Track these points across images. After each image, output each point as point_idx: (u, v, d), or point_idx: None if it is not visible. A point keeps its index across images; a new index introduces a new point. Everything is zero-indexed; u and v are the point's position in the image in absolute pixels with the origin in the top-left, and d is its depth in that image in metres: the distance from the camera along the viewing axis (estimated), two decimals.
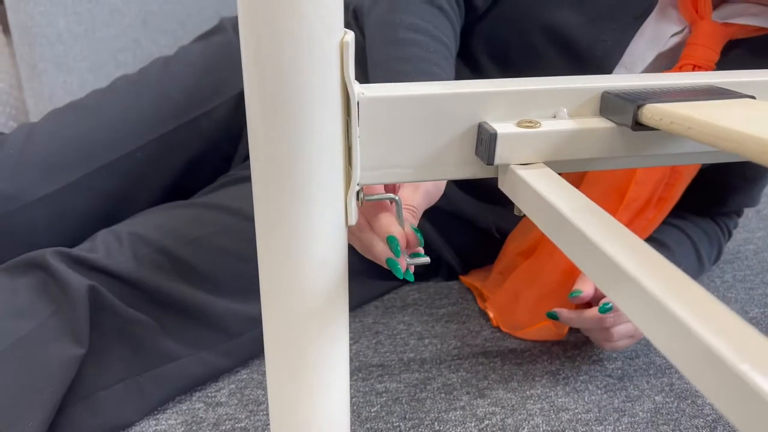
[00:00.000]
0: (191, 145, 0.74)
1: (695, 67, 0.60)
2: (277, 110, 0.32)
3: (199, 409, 0.62)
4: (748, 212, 1.07)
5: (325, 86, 0.32)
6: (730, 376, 0.19)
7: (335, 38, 0.31)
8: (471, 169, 0.38)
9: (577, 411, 0.63)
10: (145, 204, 0.72)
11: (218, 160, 0.77)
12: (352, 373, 0.68)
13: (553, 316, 0.66)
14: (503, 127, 0.36)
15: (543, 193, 0.33)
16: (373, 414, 0.62)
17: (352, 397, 0.64)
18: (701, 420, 0.62)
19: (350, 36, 0.32)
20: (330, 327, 0.38)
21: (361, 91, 0.34)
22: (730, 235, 0.85)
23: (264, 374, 0.67)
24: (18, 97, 1.25)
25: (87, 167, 0.68)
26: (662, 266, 0.24)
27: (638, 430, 0.60)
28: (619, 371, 0.69)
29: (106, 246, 0.58)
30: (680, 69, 0.61)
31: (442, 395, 0.65)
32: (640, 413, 0.62)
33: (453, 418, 0.62)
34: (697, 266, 0.77)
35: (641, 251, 0.26)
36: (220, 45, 0.78)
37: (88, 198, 0.68)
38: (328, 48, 0.31)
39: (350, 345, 0.72)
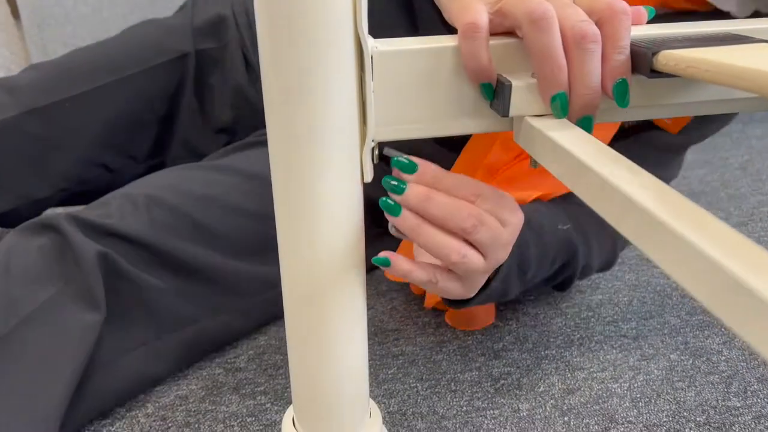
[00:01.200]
0: (123, 99, 0.76)
1: None
2: (290, 66, 0.32)
3: (219, 374, 0.63)
4: (761, 174, 1.06)
5: (338, 40, 0.32)
6: (745, 294, 0.19)
7: None
8: (486, 123, 0.38)
9: (592, 370, 0.63)
10: (74, 152, 0.73)
11: (153, 118, 0.79)
12: (368, 337, 0.69)
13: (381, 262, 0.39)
14: (519, 79, 0.35)
15: (559, 141, 0.32)
16: (390, 376, 0.63)
17: (369, 360, 0.65)
18: (716, 376, 0.62)
19: None
20: (347, 283, 0.38)
21: (374, 45, 0.34)
22: None
23: (282, 340, 0.68)
24: None
25: (20, 109, 0.70)
26: (687, 208, 0.24)
27: (653, 386, 0.61)
28: (634, 331, 0.69)
29: (120, 210, 0.58)
30: None
31: (458, 357, 0.66)
32: (655, 371, 0.63)
33: (469, 378, 0.62)
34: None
35: (663, 193, 0.26)
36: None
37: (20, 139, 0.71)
38: (340, 1, 0.31)
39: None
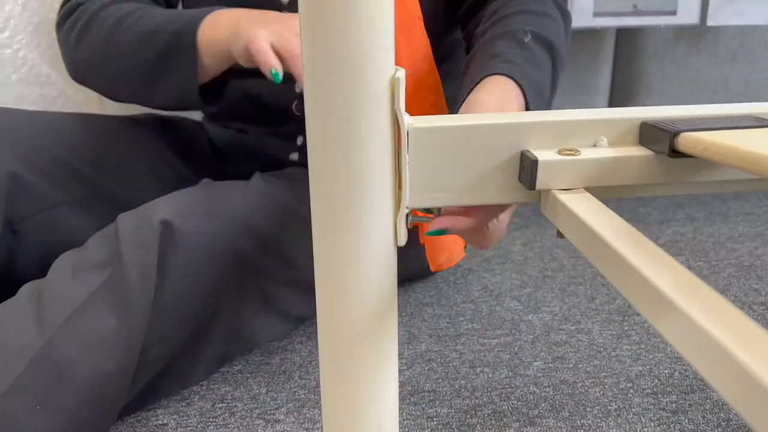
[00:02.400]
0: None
1: None
2: (334, 141, 0.35)
3: (258, 425, 0.65)
4: None
5: (377, 118, 0.36)
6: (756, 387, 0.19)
7: (385, 75, 0.35)
8: (513, 194, 0.40)
9: None
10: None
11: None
12: (404, 398, 0.70)
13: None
14: (545, 155, 0.38)
15: (583, 217, 0.34)
16: None
17: (403, 420, 0.66)
18: None
19: (401, 73, 0.35)
20: (379, 341, 0.41)
21: (410, 122, 0.38)
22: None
23: (320, 395, 0.70)
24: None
25: None
26: (705, 293, 0.25)
27: None
28: (674, 405, 0.68)
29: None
30: None
31: (492, 422, 0.66)
32: None
33: None
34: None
35: (683, 277, 0.26)
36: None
37: None
38: (379, 85, 0.35)
39: (403, 371, 0.75)
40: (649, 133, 0.39)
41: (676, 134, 0.36)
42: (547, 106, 0.59)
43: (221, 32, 0.62)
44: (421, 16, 0.65)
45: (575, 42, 1.29)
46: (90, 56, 0.70)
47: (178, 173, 0.82)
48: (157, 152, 0.80)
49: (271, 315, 0.73)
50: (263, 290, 0.70)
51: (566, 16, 0.68)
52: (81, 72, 0.73)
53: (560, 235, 0.40)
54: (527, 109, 0.52)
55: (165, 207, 0.60)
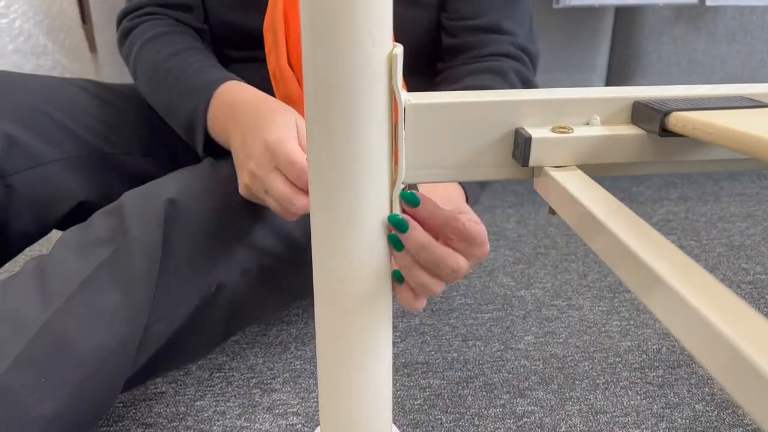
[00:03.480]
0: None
1: None
2: (331, 116, 0.36)
3: (255, 393, 0.67)
4: None
5: (374, 94, 0.36)
6: (759, 381, 0.20)
7: (383, 51, 0.35)
8: (507, 171, 0.41)
9: (615, 414, 0.64)
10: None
11: None
12: (398, 369, 0.72)
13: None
14: (538, 132, 0.39)
15: (575, 194, 0.35)
16: (416, 407, 0.65)
17: (397, 391, 0.68)
18: (740, 429, 0.62)
19: (399, 49, 0.36)
20: (374, 312, 0.42)
21: (407, 98, 0.38)
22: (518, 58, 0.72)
23: (315, 365, 0.72)
24: None
25: None
26: (694, 269, 0.26)
27: None
28: (660, 379, 0.70)
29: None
30: None
31: (483, 393, 0.68)
32: (679, 419, 0.63)
33: (492, 414, 0.64)
34: None
35: (671, 253, 0.27)
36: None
37: None
38: (377, 59, 0.35)
39: (397, 343, 0.76)
40: (641, 112, 0.40)
41: (666, 113, 0.37)
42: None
43: (225, 138, 0.64)
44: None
45: (574, 20, 1.29)
46: (148, 99, 0.74)
47: (173, 142, 0.82)
48: (153, 121, 0.81)
49: (273, 292, 0.75)
50: (264, 268, 0.71)
51: (529, 87, 0.71)
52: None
53: (552, 211, 0.41)
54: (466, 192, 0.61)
55: (170, 185, 0.61)
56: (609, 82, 1.41)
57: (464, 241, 0.42)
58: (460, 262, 0.41)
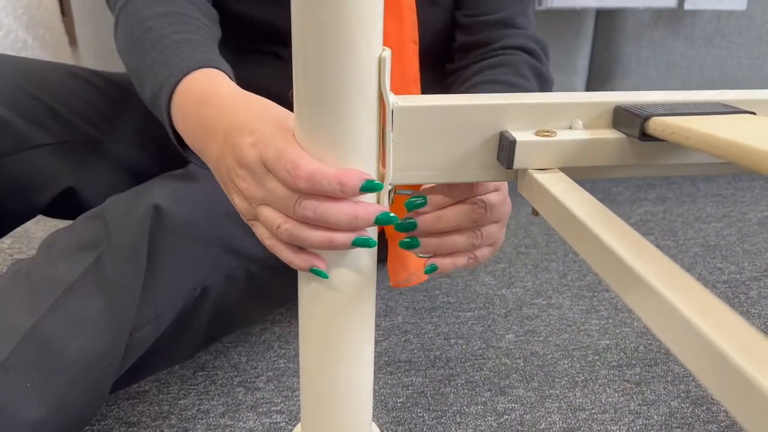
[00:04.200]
0: None
1: None
2: (321, 115, 0.37)
3: (239, 392, 0.67)
4: None
5: (364, 95, 0.37)
6: (734, 375, 0.20)
7: (374, 53, 0.36)
8: (492, 173, 0.42)
9: (593, 411, 0.66)
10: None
11: None
12: (381, 368, 0.72)
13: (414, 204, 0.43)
14: (522, 135, 0.40)
15: (558, 196, 0.36)
16: (399, 404, 0.66)
17: (380, 389, 0.69)
18: (715, 426, 0.64)
19: (387, 52, 0.37)
20: (358, 312, 0.42)
21: (395, 101, 0.39)
22: (532, 53, 0.72)
23: (299, 364, 0.72)
24: None
25: None
26: (671, 269, 0.27)
27: (653, 431, 0.63)
28: (637, 377, 0.71)
29: None
30: None
31: (465, 391, 0.68)
32: (655, 416, 0.65)
33: (474, 411, 0.65)
34: None
35: (651, 254, 0.28)
36: None
37: None
38: (367, 62, 0.36)
39: (380, 342, 0.77)
40: (622, 117, 0.41)
41: (646, 118, 0.38)
42: None
43: (194, 145, 0.50)
44: (416, 40, 0.66)
45: (556, 22, 1.30)
46: (121, 56, 0.65)
47: (162, 132, 0.81)
48: (142, 109, 0.80)
49: (256, 298, 0.75)
50: (249, 274, 0.71)
51: (545, 83, 0.72)
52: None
53: (535, 212, 0.41)
54: None
55: (155, 191, 0.61)
56: (589, 84, 1.42)
57: (489, 211, 0.45)
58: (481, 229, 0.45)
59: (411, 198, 0.43)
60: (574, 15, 1.32)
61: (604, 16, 1.35)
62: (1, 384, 0.49)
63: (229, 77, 0.51)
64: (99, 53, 1.20)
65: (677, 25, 1.34)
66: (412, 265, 0.68)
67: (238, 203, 0.43)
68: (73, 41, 1.55)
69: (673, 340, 0.24)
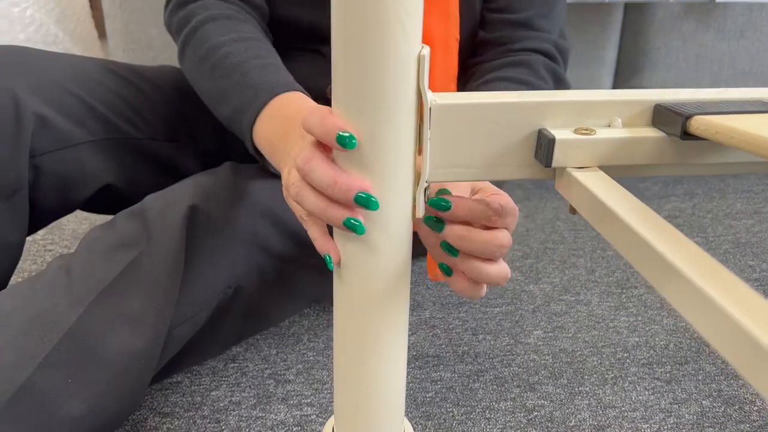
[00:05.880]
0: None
1: None
2: (359, 112, 0.37)
3: (269, 384, 0.68)
4: None
5: (402, 92, 0.37)
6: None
7: (414, 51, 0.36)
8: (530, 171, 0.41)
9: (623, 409, 0.65)
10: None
11: None
12: (409, 362, 0.73)
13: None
14: (561, 133, 0.39)
15: (599, 194, 0.36)
16: (428, 399, 0.66)
17: (408, 383, 0.69)
18: (747, 425, 0.63)
19: (426, 50, 0.37)
20: (393, 307, 0.43)
21: (433, 98, 0.39)
22: (553, 57, 0.73)
23: (329, 357, 0.73)
24: None
25: None
26: (712, 265, 0.27)
27: (683, 431, 0.62)
28: (668, 375, 0.71)
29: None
30: None
31: (494, 387, 0.69)
32: (687, 415, 0.64)
33: (503, 407, 0.65)
34: None
35: (692, 251, 0.28)
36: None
37: None
38: (407, 59, 0.36)
39: (408, 336, 0.77)
40: (663, 116, 0.40)
41: (688, 117, 0.38)
42: None
43: (269, 152, 0.56)
44: (458, 38, 0.66)
45: (584, 14, 1.29)
46: (189, 77, 0.69)
47: (196, 128, 0.82)
48: (176, 105, 0.80)
49: (287, 297, 0.76)
50: (282, 273, 0.72)
51: (561, 85, 0.72)
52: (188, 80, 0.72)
53: (573, 210, 0.41)
54: None
55: (192, 191, 0.62)
56: (617, 77, 1.41)
57: (501, 217, 0.43)
58: (502, 238, 0.42)
59: (436, 198, 0.42)
60: (602, 7, 1.30)
61: (632, 8, 1.33)
62: (43, 379, 0.50)
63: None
64: (128, 47, 1.21)
65: (708, 17, 1.32)
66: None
67: (285, 176, 0.46)
68: (102, 35, 1.57)
69: (722, 342, 0.24)
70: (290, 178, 0.43)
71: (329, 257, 0.41)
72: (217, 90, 0.63)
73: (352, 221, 0.39)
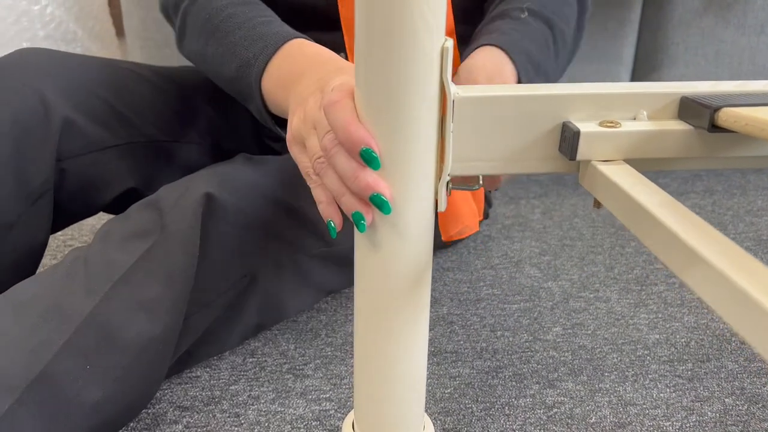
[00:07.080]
0: None
1: None
2: (381, 105, 0.37)
3: (288, 379, 0.68)
4: None
5: (425, 85, 0.37)
6: None
7: (437, 44, 0.36)
8: (554, 164, 0.41)
9: (644, 406, 0.65)
10: None
11: None
12: (427, 358, 0.73)
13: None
14: (586, 126, 0.39)
15: (625, 187, 0.36)
16: (446, 395, 0.66)
17: (427, 379, 0.69)
18: None
19: (450, 42, 0.36)
20: (414, 300, 0.42)
21: (456, 91, 0.39)
22: None
23: (347, 352, 0.73)
24: None
25: None
26: (741, 256, 0.27)
27: (706, 428, 0.62)
28: (689, 372, 0.70)
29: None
30: None
31: (513, 383, 0.68)
32: (709, 413, 0.64)
33: (523, 404, 0.65)
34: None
35: (720, 242, 0.28)
36: None
37: None
38: (430, 52, 0.36)
39: None
40: (689, 108, 0.40)
41: (717, 109, 0.37)
42: (553, 74, 0.63)
43: (282, 95, 0.55)
44: None
45: (601, 10, 1.28)
46: (191, 52, 0.68)
47: (217, 129, 0.82)
48: (198, 107, 0.81)
49: (303, 287, 0.76)
50: (297, 263, 0.72)
51: (582, 2, 0.69)
52: (190, 60, 0.71)
53: (597, 204, 0.41)
54: (518, 73, 0.56)
55: (207, 180, 0.62)
56: (635, 74, 1.39)
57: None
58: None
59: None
60: (620, 2, 1.29)
61: (651, 4, 1.32)
62: (61, 366, 0.51)
63: None
64: (146, 44, 1.22)
65: (728, 12, 1.30)
66: (466, 217, 0.68)
67: (295, 122, 0.46)
68: (120, 33, 1.58)
69: (760, 340, 0.24)
70: (310, 141, 0.43)
71: (332, 223, 0.41)
72: (221, 51, 0.61)
73: (359, 216, 0.39)
